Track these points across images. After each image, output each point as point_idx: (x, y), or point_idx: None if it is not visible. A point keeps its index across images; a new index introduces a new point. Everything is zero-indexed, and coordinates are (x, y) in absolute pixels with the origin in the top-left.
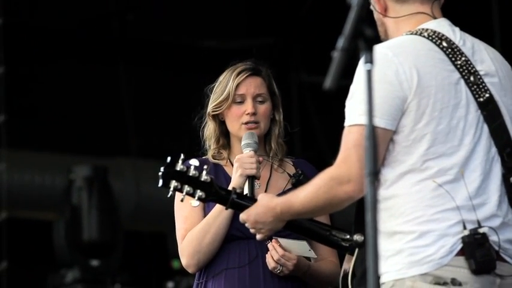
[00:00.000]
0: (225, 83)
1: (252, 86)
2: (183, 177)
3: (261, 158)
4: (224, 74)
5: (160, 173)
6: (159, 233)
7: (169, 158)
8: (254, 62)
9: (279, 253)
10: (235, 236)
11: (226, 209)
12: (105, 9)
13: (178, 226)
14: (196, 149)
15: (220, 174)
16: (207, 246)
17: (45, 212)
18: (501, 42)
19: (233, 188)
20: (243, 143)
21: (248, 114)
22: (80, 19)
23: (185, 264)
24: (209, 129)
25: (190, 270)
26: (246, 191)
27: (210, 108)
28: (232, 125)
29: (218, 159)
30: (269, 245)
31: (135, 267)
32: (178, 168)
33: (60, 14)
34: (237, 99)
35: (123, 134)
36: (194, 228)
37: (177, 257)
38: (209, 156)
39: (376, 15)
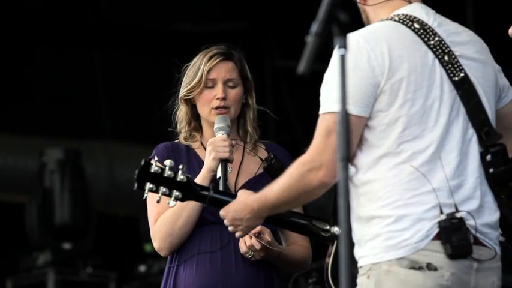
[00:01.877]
0: (197, 68)
1: (223, 70)
2: (158, 179)
3: (233, 142)
4: (196, 57)
5: (135, 176)
6: (132, 216)
7: (143, 161)
8: (227, 46)
9: (248, 244)
10: (208, 220)
11: (205, 206)
12: None
13: (150, 209)
14: (169, 132)
15: (192, 158)
16: (180, 229)
17: (17, 195)
18: (475, 25)
19: (211, 185)
20: (215, 126)
21: (218, 98)
22: (54, 1)
23: (157, 247)
24: (181, 112)
25: (162, 254)
26: (219, 174)
27: (182, 93)
28: (203, 109)
29: (190, 142)
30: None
31: (108, 250)
32: (152, 170)
33: None
34: (208, 84)
35: (96, 117)
36: (167, 211)
37: (150, 240)
38: (181, 139)
39: (358, 4)
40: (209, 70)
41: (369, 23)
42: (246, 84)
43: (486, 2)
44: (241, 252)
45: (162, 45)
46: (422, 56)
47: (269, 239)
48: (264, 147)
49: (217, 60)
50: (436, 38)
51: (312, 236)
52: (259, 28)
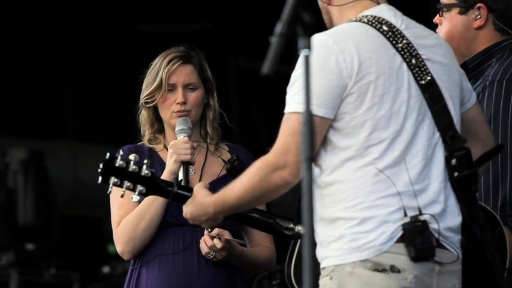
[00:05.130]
0: (156, 72)
1: (182, 74)
2: (123, 173)
3: (195, 144)
4: (156, 60)
5: (99, 170)
6: (95, 217)
7: (108, 154)
8: (186, 47)
9: (209, 244)
10: (170, 222)
11: (169, 201)
12: None
13: (113, 213)
14: (132, 132)
15: (155, 160)
16: (142, 232)
17: None
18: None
19: (175, 179)
20: (176, 129)
21: (178, 103)
22: (17, 1)
23: (120, 251)
24: (143, 116)
25: (125, 257)
26: (180, 176)
27: (142, 99)
28: (164, 113)
29: (154, 144)
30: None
31: (71, 251)
32: (117, 164)
33: None
34: (167, 88)
35: (59, 117)
36: (129, 214)
37: (113, 241)
38: (145, 141)
39: (321, 4)
40: (168, 75)
41: (331, 24)
42: (207, 85)
43: None
44: (203, 253)
45: (127, 46)
46: (390, 59)
47: (229, 238)
48: (228, 149)
49: (176, 64)
50: (404, 41)
51: (276, 234)
52: (223, 29)
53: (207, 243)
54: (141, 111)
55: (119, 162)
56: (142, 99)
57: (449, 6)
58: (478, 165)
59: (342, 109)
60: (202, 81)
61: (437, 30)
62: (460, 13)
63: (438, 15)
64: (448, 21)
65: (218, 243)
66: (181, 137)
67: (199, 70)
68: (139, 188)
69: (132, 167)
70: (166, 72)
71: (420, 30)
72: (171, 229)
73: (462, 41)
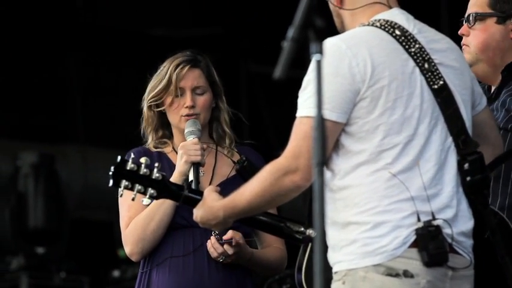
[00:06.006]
0: (163, 76)
1: (190, 78)
2: (134, 176)
3: (205, 145)
4: (162, 66)
5: (110, 173)
6: (106, 221)
7: (119, 157)
8: (192, 52)
9: (218, 251)
10: (179, 224)
11: (180, 204)
12: None
13: (122, 214)
14: (142, 137)
15: (164, 162)
16: (152, 233)
17: None
18: (449, 31)
19: (185, 182)
20: (186, 130)
21: (187, 107)
22: (28, 4)
23: (129, 252)
24: (147, 118)
25: (133, 258)
26: (190, 177)
27: (148, 101)
28: (173, 117)
29: (161, 148)
30: (208, 243)
31: (81, 255)
32: (128, 168)
33: None
34: (176, 93)
35: (70, 121)
36: (138, 215)
37: (123, 245)
38: (150, 146)
39: (332, 7)
40: (176, 79)
41: (342, 27)
42: (215, 88)
43: (461, 7)
44: (212, 256)
45: (137, 50)
46: (403, 64)
47: (240, 242)
48: (236, 150)
49: (184, 68)
50: (417, 46)
51: (286, 238)
52: (234, 33)
53: (217, 250)
54: (144, 114)
55: (130, 165)
56: (148, 102)
57: (485, 16)
58: (490, 170)
59: (354, 114)
60: (210, 85)
61: (463, 41)
62: (498, 23)
63: (467, 25)
64: (483, 31)
65: (229, 250)
66: (191, 139)
67: (207, 74)
68: (150, 191)
69: (143, 170)
70: (176, 76)
71: (432, 34)
72: (181, 231)
73: (498, 50)
